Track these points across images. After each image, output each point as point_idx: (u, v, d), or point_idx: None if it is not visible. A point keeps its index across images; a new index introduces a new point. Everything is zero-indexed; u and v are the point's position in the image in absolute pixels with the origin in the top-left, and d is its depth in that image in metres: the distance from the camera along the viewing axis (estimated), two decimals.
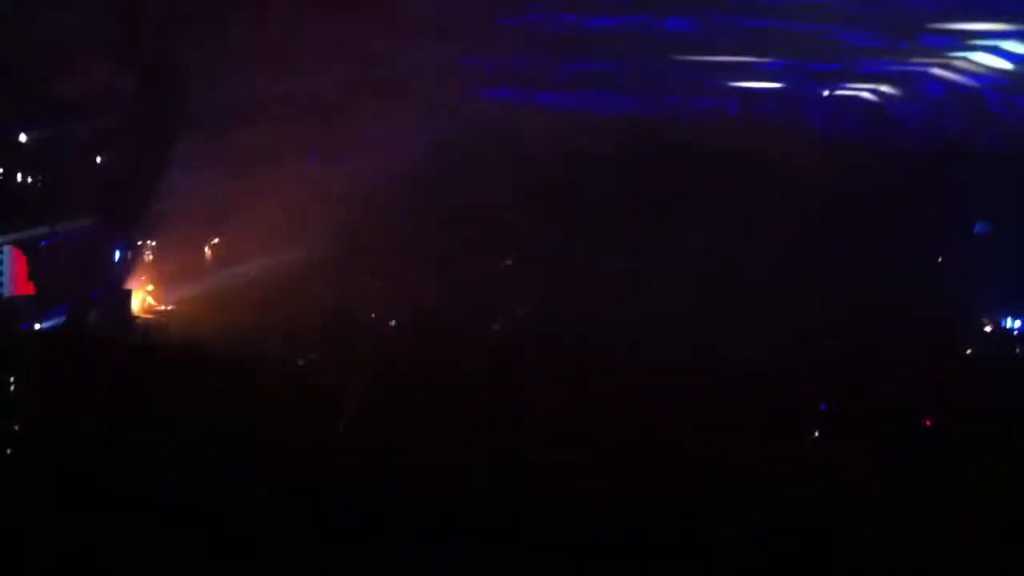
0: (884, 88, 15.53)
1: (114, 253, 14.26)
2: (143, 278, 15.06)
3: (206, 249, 16.75)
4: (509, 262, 17.32)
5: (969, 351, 14.22)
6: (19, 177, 13.79)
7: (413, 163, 16.63)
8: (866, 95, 15.85)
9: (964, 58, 13.93)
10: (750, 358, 12.49)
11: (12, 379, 11.19)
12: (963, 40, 13.29)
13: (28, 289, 12.81)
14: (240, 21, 12.59)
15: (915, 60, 14.45)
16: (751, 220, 15.42)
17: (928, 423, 11.00)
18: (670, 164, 16.25)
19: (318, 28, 12.91)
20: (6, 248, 12.77)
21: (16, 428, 10.32)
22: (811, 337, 13.45)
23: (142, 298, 14.94)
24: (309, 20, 12.70)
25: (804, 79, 15.91)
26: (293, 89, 15.33)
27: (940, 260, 15.62)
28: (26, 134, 13.51)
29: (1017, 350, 14.48)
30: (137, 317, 14.32)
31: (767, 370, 12.04)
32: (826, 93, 15.71)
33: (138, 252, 14.95)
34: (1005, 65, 13.67)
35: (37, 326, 12.38)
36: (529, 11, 13.34)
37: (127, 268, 14.41)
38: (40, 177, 13.80)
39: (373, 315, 15.35)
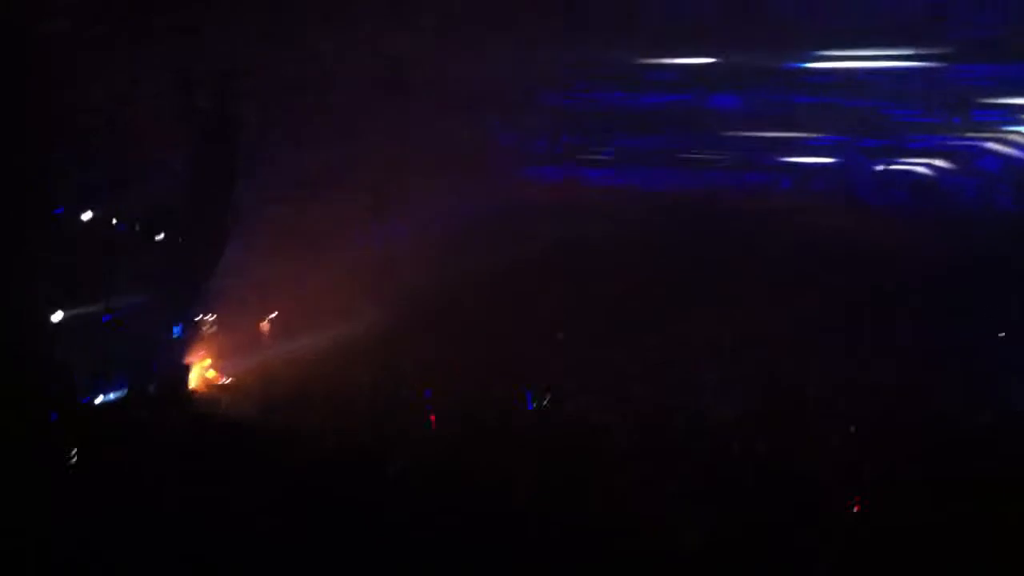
0: (937, 162, 15.48)
1: (173, 328, 14.55)
2: (201, 352, 15.35)
3: (262, 324, 17.07)
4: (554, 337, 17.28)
5: None
6: (81, 254, 14.14)
7: (460, 239, 16.90)
8: (920, 170, 15.81)
9: (1018, 131, 13.88)
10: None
11: (75, 451, 11.41)
12: (1016, 114, 13.28)
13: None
14: (299, 98, 12.97)
15: (968, 135, 14.41)
16: (803, 297, 15.40)
17: None
18: (720, 240, 16.29)
19: (369, 106, 13.27)
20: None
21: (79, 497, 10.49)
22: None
23: (200, 372, 15.20)
24: (361, 100, 13.06)
25: (856, 154, 15.90)
26: (344, 167, 15.70)
27: (1000, 336, 15.40)
28: (87, 211, 13.92)
29: None
30: (195, 390, 14.55)
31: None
32: (879, 168, 15.68)
33: (197, 327, 15.24)
34: None
35: (99, 399, 12.62)
36: (575, 89, 13.58)
37: (186, 343, 14.68)
38: (101, 254, 14.14)
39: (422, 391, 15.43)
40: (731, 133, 14.86)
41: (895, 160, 15.76)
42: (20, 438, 7.14)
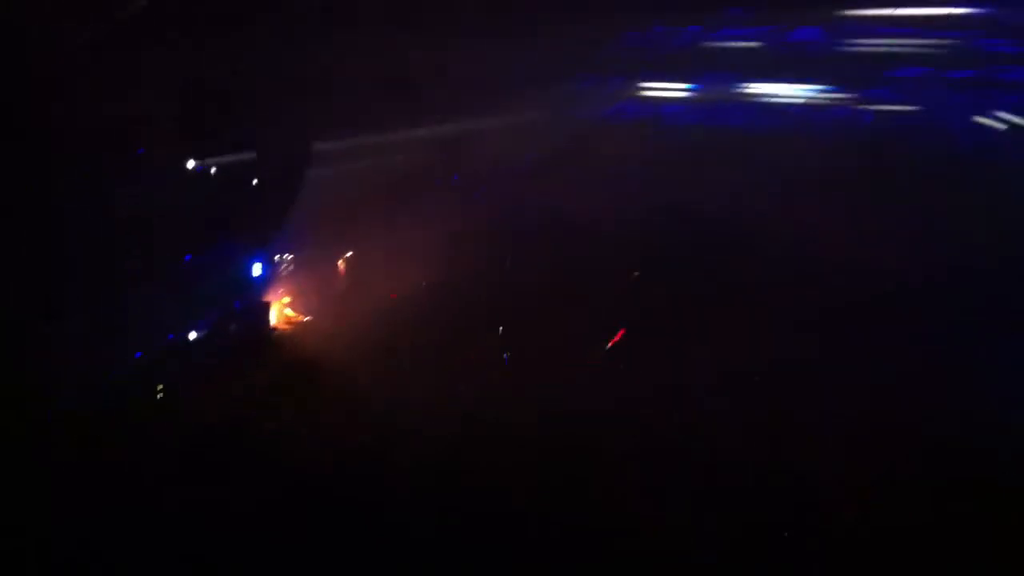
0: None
1: (254, 268, 14.80)
2: (281, 291, 15.60)
3: (340, 264, 17.22)
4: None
5: None
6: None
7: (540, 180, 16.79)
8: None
9: None
10: None
11: (161, 388, 11.78)
12: None
13: None
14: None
15: None
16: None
17: None
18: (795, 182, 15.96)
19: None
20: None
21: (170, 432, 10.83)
22: None
23: (279, 310, 15.46)
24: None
25: (943, 88, 15.40)
26: (423, 108, 15.70)
27: None
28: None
29: None
30: (275, 328, 14.84)
31: None
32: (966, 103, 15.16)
33: (277, 267, 15.48)
34: None
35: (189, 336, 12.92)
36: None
37: (266, 282, 14.94)
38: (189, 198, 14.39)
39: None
40: (813, 68, 14.56)
41: (985, 93, 15.20)
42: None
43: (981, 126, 15.30)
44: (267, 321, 14.29)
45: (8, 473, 6.85)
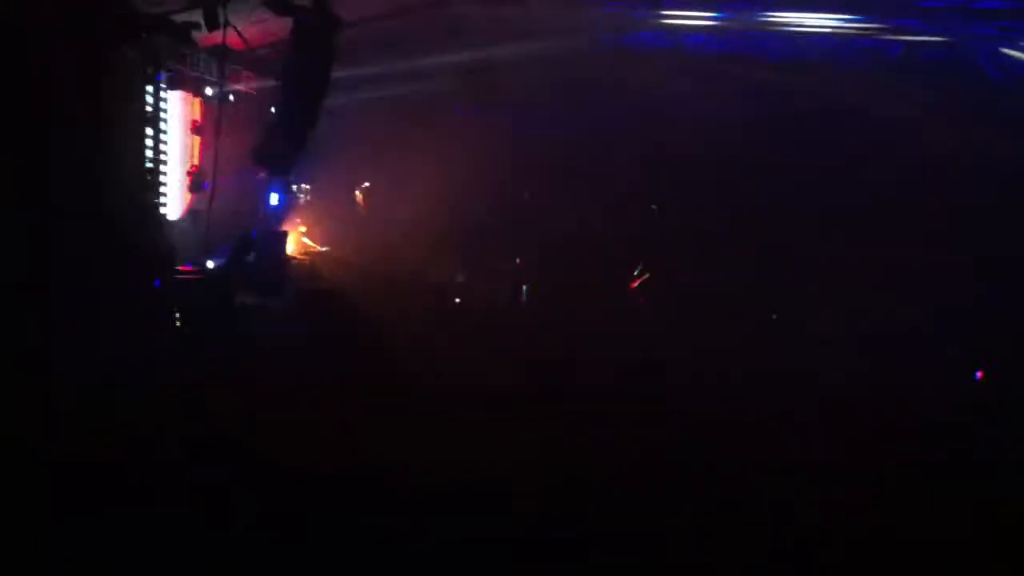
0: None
1: (271, 197, 14.75)
2: (298, 220, 15.59)
3: (356, 194, 17.20)
4: None
5: None
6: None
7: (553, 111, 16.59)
8: None
9: None
10: None
11: (178, 314, 11.77)
12: None
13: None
14: None
15: None
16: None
17: None
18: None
19: None
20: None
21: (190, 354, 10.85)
22: None
23: (297, 239, 15.47)
24: None
25: (970, 19, 15.02)
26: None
27: None
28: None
29: None
30: (293, 256, 14.86)
31: None
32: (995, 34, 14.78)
33: (294, 197, 15.45)
34: None
35: (207, 264, 12.92)
36: None
37: (283, 210, 14.92)
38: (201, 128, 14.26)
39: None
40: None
41: (1014, 25, 14.81)
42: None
43: (1010, 57, 14.98)
44: (284, 250, 14.27)
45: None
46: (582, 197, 16.43)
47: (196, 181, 13.62)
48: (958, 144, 14.86)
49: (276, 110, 13.86)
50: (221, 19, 10.87)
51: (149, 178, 11.99)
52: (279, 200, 14.78)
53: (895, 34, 15.57)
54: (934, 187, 15.29)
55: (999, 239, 14.47)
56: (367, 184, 17.34)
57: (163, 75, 12.45)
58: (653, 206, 17.34)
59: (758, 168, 15.81)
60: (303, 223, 15.78)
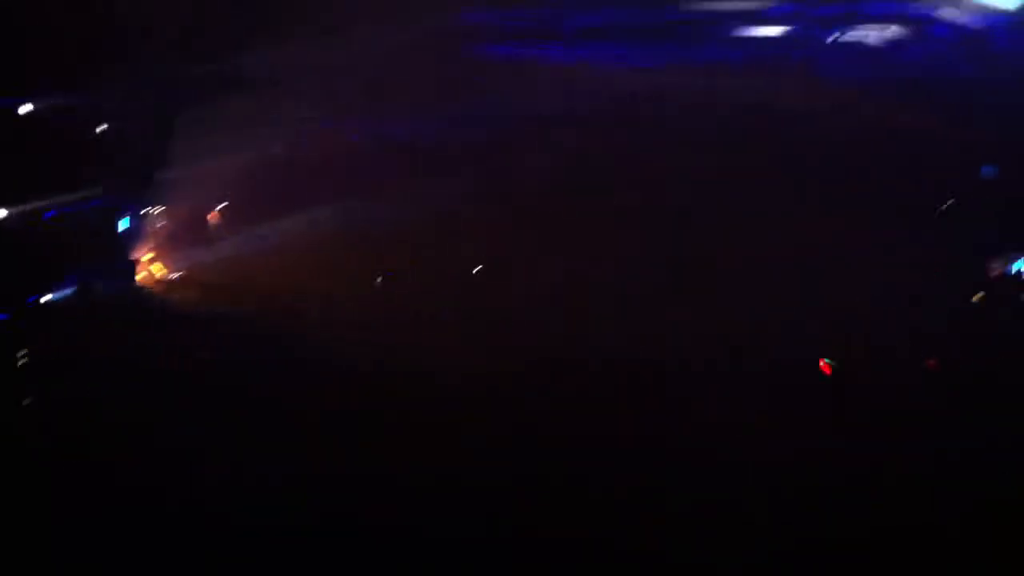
0: (892, 30, 15.18)
1: (120, 223, 14.31)
2: (149, 246, 15.13)
3: (211, 218, 16.76)
4: None
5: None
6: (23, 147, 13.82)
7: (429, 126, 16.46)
8: (875, 38, 15.48)
9: None
10: None
11: (21, 353, 11.39)
12: None
13: None
14: None
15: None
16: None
17: None
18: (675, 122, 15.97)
19: None
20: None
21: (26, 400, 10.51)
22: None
23: (147, 266, 15.03)
24: None
25: (811, 24, 15.58)
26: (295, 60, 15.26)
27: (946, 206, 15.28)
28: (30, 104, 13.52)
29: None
30: (143, 286, 14.43)
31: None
32: (834, 38, 15.34)
33: (144, 221, 14.99)
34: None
35: (45, 298, 12.49)
36: None
37: (133, 236, 14.47)
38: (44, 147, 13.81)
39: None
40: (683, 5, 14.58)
41: (850, 28, 15.42)
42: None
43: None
44: (132, 278, 13.86)
45: None
46: (446, 197, 16.38)
47: None
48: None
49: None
50: None
51: None
52: (128, 224, 14.35)
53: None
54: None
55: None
56: (225, 204, 16.93)
57: None
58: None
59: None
60: (155, 249, 15.34)
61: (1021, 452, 9.39)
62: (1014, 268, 13.94)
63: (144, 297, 13.96)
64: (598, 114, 15.99)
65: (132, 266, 14.03)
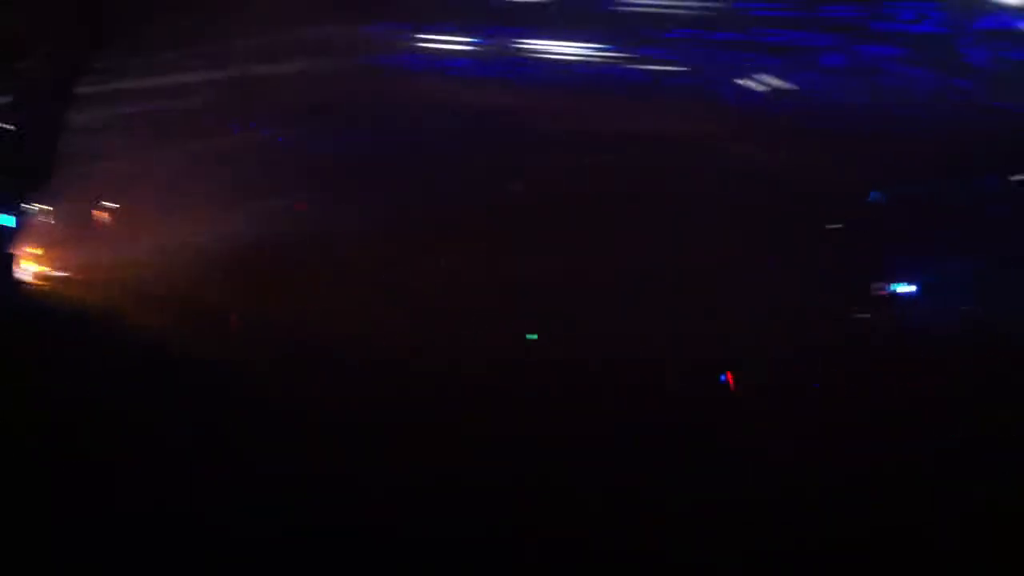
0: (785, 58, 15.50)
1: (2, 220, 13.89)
2: (31, 244, 14.76)
3: (105, 216, 16.44)
4: None
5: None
6: None
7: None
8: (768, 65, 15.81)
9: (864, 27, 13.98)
10: None
11: None
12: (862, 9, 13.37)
13: None
14: None
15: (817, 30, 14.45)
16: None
17: None
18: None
19: None
20: None
21: None
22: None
23: (32, 264, 14.66)
24: None
25: (712, 49, 15.83)
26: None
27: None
28: None
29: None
30: (25, 283, 14.04)
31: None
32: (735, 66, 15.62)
33: (27, 216, 14.60)
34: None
35: None
36: None
37: (14, 233, 14.05)
38: None
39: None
40: (592, 26, 14.73)
41: (748, 55, 15.69)
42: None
43: (744, 87, 15.87)
44: (9, 274, 13.45)
45: None
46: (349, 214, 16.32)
47: None
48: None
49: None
50: None
51: None
52: (6, 220, 13.91)
53: (642, 63, 16.26)
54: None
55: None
56: (120, 204, 16.61)
57: None
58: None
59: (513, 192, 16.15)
60: (39, 246, 14.93)
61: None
62: (894, 288, 14.42)
63: (23, 296, 13.57)
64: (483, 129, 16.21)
65: (9, 261, 13.61)
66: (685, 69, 16.04)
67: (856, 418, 11.24)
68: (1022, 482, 8.43)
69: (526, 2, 14.40)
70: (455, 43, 16.11)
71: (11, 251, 13.87)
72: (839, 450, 9.93)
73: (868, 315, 14.41)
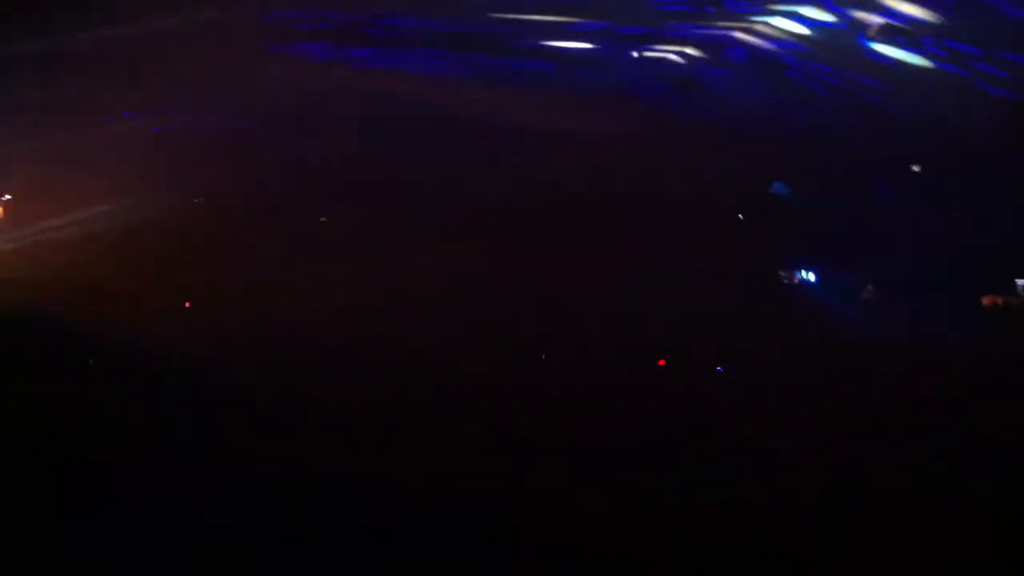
0: (691, 52, 15.74)
1: None
2: None
3: None
4: None
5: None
6: None
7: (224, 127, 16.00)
8: (676, 60, 16.03)
9: (764, 22, 14.24)
10: None
11: None
12: (762, 4, 13.61)
13: None
14: None
15: (719, 24, 14.67)
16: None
17: None
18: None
19: None
20: None
21: None
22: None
23: None
24: None
25: (617, 43, 15.97)
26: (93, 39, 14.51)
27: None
28: None
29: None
30: None
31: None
32: (634, 55, 15.78)
33: None
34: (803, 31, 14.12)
35: None
36: None
37: None
38: None
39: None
40: (493, 15, 14.75)
41: (653, 49, 15.87)
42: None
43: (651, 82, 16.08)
44: None
45: None
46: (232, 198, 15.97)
47: None
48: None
49: None
50: None
51: None
52: None
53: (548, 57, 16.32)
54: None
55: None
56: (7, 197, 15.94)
57: None
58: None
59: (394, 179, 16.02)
60: None
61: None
62: (803, 275, 14.77)
63: None
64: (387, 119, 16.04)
65: None
66: (593, 64, 16.16)
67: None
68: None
69: None
70: (354, 30, 15.96)
71: None
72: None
73: (768, 307, 14.68)
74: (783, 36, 14.43)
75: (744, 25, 14.41)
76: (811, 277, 15.03)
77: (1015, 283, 13.87)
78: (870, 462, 9.00)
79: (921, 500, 8.36)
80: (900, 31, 13.28)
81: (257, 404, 9.48)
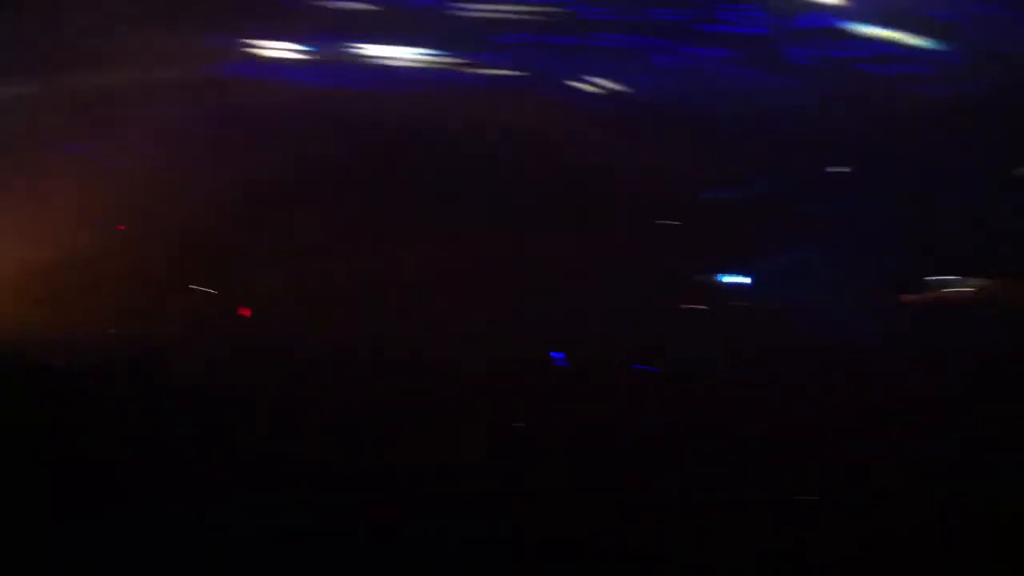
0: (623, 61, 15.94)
1: None
2: None
3: None
4: None
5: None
6: None
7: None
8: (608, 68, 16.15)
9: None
10: None
11: None
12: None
13: None
14: None
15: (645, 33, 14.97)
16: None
17: None
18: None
19: None
20: None
21: None
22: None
23: None
24: None
25: (547, 53, 16.06)
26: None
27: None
28: None
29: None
30: None
31: None
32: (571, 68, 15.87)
33: None
34: None
35: None
36: None
37: None
38: None
39: None
40: (423, 31, 14.65)
41: (583, 59, 15.98)
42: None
43: (577, 89, 16.18)
44: None
45: None
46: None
47: None
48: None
49: None
50: None
51: None
52: None
53: (472, 67, 16.27)
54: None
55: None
56: None
57: None
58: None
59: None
60: None
61: None
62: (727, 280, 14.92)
63: None
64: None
65: None
66: (519, 73, 16.17)
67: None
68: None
69: (359, 10, 14.25)
70: (288, 51, 15.67)
71: None
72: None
73: (704, 307, 14.84)
74: (708, 42, 14.84)
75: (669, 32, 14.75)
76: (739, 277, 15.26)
77: (933, 280, 14.44)
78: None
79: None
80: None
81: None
